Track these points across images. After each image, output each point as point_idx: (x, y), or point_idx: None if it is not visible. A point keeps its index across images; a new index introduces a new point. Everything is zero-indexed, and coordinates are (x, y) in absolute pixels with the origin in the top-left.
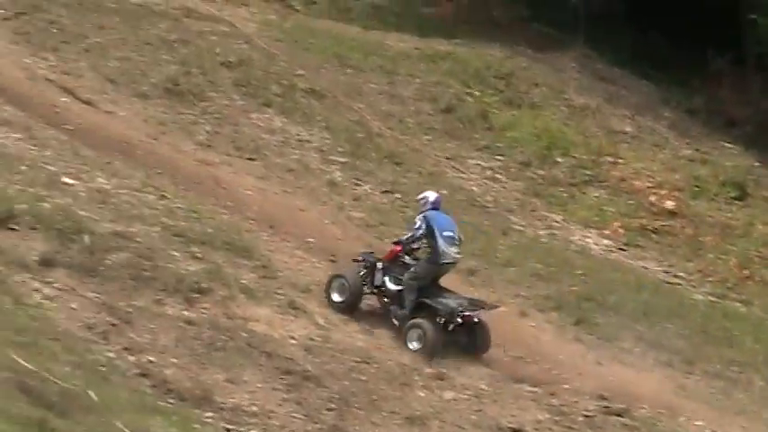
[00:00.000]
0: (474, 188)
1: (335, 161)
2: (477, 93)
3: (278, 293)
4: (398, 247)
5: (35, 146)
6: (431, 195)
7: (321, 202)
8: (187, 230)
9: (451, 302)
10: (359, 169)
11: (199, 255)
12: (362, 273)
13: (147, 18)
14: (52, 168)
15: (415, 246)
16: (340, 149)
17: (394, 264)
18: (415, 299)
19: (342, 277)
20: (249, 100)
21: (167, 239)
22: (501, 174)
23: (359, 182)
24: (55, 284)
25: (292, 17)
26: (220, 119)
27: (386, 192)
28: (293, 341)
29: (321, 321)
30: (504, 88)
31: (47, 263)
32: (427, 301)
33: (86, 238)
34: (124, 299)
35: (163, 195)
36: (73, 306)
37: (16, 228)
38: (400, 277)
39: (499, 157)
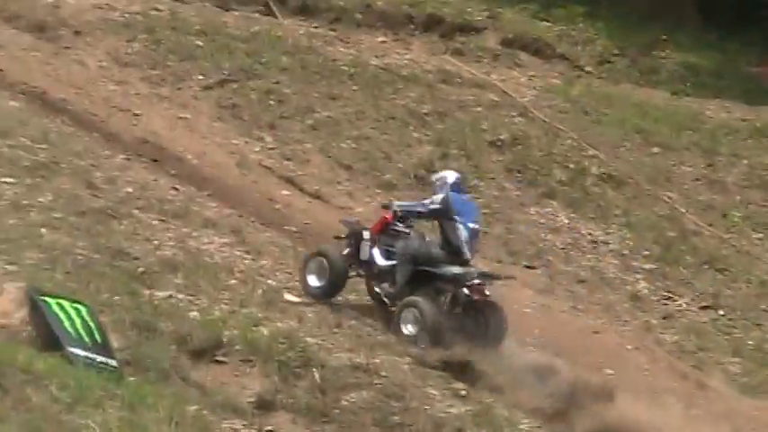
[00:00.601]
0: None
1: (639, 268)
2: None
3: None
4: (389, 214)
5: (248, 253)
6: (450, 175)
7: (621, 321)
8: None
9: (456, 269)
10: (670, 278)
11: (463, 392)
12: (347, 250)
13: (391, 85)
14: (271, 282)
15: (412, 218)
16: (645, 253)
17: (384, 234)
18: (409, 273)
19: (321, 255)
20: (526, 189)
21: (421, 373)
22: None
23: (670, 294)
24: None
25: (581, 81)
26: (489, 215)
27: (706, 307)
28: None
29: None
30: None
31: (265, 405)
32: (426, 268)
33: (316, 373)
34: None
35: None
36: None
37: (225, 360)
38: (392, 249)
39: None
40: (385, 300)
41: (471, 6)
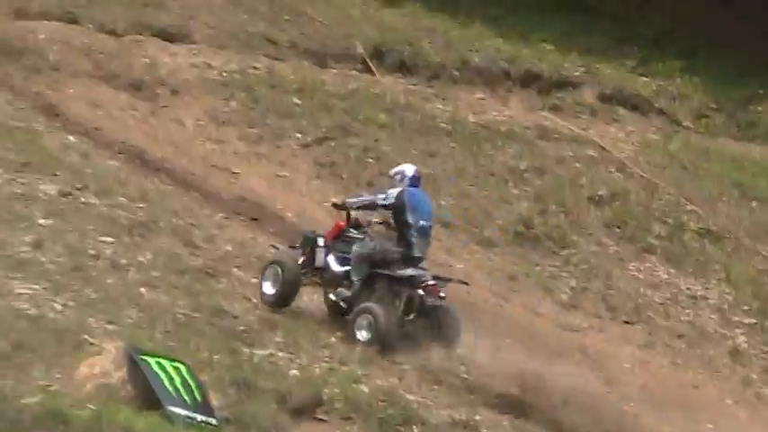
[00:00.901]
0: None
1: (740, 323)
2: None
3: None
4: (342, 222)
5: None
6: (408, 169)
7: (721, 376)
8: None
9: (411, 271)
10: None
11: None
12: (301, 258)
13: (489, 141)
14: None
15: (364, 211)
16: (745, 308)
17: (339, 240)
18: (365, 274)
19: (276, 264)
20: (625, 245)
21: (522, 430)
22: None
23: None
24: None
25: (679, 136)
26: (587, 270)
27: None
28: None
29: None
30: None
31: None
32: (379, 270)
33: (416, 431)
34: None
35: None
36: None
37: (325, 418)
38: (347, 256)
39: None
40: (342, 305)
41: (568, 62)
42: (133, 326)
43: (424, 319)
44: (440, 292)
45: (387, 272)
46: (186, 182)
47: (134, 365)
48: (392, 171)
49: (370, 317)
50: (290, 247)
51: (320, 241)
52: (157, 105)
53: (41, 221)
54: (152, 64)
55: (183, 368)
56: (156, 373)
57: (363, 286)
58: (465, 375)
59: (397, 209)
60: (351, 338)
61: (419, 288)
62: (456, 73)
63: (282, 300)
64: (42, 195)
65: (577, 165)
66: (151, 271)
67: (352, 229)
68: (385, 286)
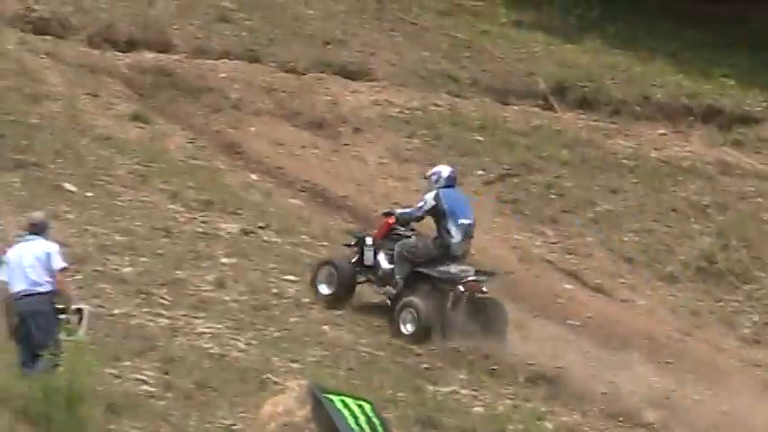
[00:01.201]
0: None
1: None
2: None
3: None
4: (391, 219)
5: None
6: (444, 170)
7: None
8: None
9: (453, 269)
10: None
11: None
12: (354, 258)
13: (670, 177)
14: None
15: (412, 221)
16: None
17: (387, 239)
18: (407, 272)
19: (329, 264)
20: None
21: None
22: None
23: None
24: None
25: None
26: None
27: None
28: None
29: None
30: None
31: None
32: (422, 270)
33: None
34: None
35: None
36: None
37: None
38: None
39: None
40: (388, 302)
41: (750, 97)
42: (316, 364)
43: (473, 313)
44: (481, 287)
45: (427, 270)
46: (368, 220)
47: (318, 404)
48: (429, 173)
49: (412, 311)
50: (344, 245)
51: (368, 240)
52: (339, 143)
53: (224, 260)
54: (334, 102)
55: (367, 406)
56: (341, 412)
57: (407, 284)
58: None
59: (436, 211)
60: (396, 333)
61: (460, 285)
62: (637, 109)
63: (339, 299)
64: (224, 234)
65: (760, 200)
66: (334, 309)
67: (400, 227)
68: (427, 283)
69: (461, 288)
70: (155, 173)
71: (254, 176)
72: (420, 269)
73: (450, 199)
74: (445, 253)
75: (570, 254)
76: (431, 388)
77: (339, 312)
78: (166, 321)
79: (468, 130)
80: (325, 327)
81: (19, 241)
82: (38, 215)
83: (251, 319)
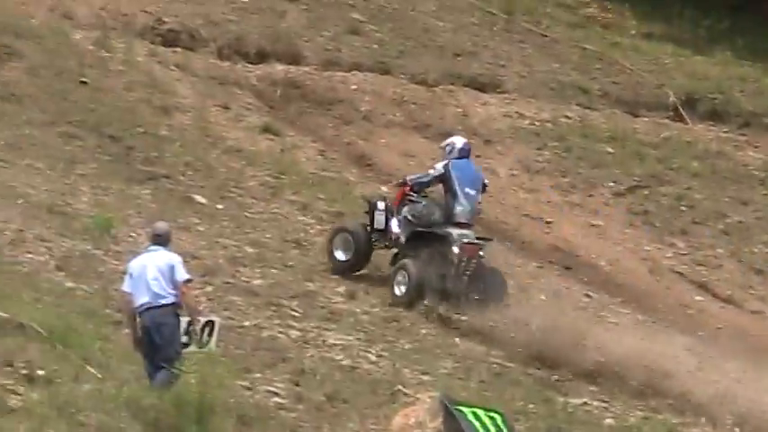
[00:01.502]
0: None
1: None
2: None
3: None
4: (406, 187)
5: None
6: (458, 141)
7: None
8: None
9: (451, 230)
10: None
11: None
12: (369, 224)
13: None
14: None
15: (424, 188)
16: None
17: (402, 205)
18: (409, 233)
19: (344, 230)
20: None
21: None
22: None
23: None
24: None
25: None
26: None
27: None
28: None
29: None
30: None
31: None
32: (420, 228)
33: None
34: None
35: None
36: None
37: None
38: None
39: None
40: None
41: None
42: (447, 376)
43: (471, 278)
44: (478, 251)
45: (424, 228)
46: (500, 231)
47: (449, 416)
48: (444, 143)
49: (405, 273)
50: (365, 213)
51: (380, 205)
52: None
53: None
54: (464, 114)
55: (498, 418)
56: (472, 423)
57: (408, 247)
58: None
59: (444, 179)
60: (392, 297)
61: (456, 246)
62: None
63: (356, 266)
64: None
65: None
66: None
67: (413, 194)
68: (428, 247)
69: (456, 250)
70: (285, 185)
71: (384, 188)
72: (420, 228)
73: (459, 168)
74: (449, 219)
75: (700, 265)
76: (561, 399)
77: (469, 322)
78: (297, 333)
79: (598, 142)
80: (457, 339)
81: (142, 252)
82: (161, 225)
83: (382, 330)
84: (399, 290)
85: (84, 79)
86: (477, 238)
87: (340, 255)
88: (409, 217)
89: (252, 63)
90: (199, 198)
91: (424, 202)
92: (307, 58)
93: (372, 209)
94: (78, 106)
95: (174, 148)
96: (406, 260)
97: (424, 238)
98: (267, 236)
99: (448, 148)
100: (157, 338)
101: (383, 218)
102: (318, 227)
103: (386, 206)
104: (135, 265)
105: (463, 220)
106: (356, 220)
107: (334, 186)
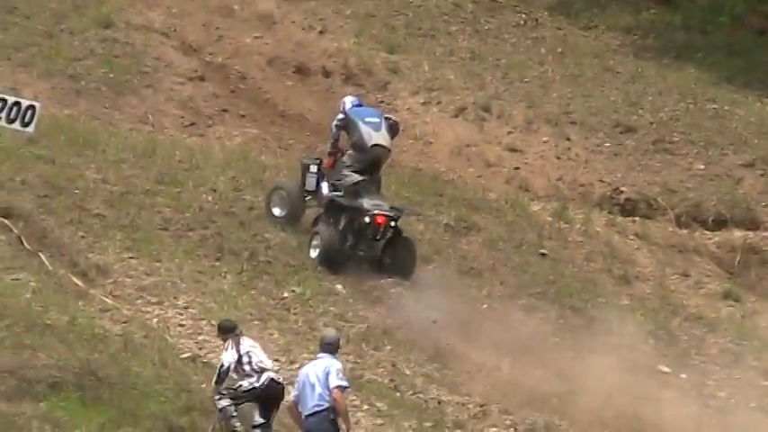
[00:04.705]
0: None
1: None
2: None
3: None
4: (339, 153)
5: None
6: (347, 98)
7: None
8: None
9: (365, 202)
10: None
11: None
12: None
13: None
14: None
15: (337, 141)
16: None
17: (333, 169)
18: (326, 201)
19: (280, 188)
20: None
21: None
22: None
23: None
24: None
25: None
26: None
27: None
28: None
29: None
30: None
31: None
32: (338, 199)
33: None
34: None
35: None
36: None
37: None
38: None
39: None
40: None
41: None
42: None
43: (383, 246)
44: (389, 221)
45: (341, 201)
46: None
47: None
48: (338, 110)
49: (318, 237)
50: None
51: (312, 168)
52: None
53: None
54: None
55: None
56: None
57: (328, 211)
58: None
59: (347, 122)
60: (309, 256)
61: (367, 216)
62: None
63: (292, 218)
64: None
65: None
66: None
67: (343, 159)
68: (345, 213)
69: (367, 219)
70: (746, 350)
71: None
72: (336, 198)
73: (357, 109)
74: (368, 148)
75: None
76: None
77: None
78: None
79: None
80: None
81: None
82: (331, 333)
83: None
84: (313, 253)
85: (543, 251)
86: (391, 208)
87: (277, 211)
88: (333, 181)
89: (709, 230)
90: (662, 367)
91: (345, 156)
92: (765, 223)
93: (305, 170)
94: (539, 278)
95: (636, 317)
96: (319, 225)
97: (343, 205)
98: (731, 401)
99: (340, 106)
100: None
101: (314, 180)
102: None
103: (318, 169)
104: (301, 373)
105: (378, 143)
106: (293, 180)
107: None
